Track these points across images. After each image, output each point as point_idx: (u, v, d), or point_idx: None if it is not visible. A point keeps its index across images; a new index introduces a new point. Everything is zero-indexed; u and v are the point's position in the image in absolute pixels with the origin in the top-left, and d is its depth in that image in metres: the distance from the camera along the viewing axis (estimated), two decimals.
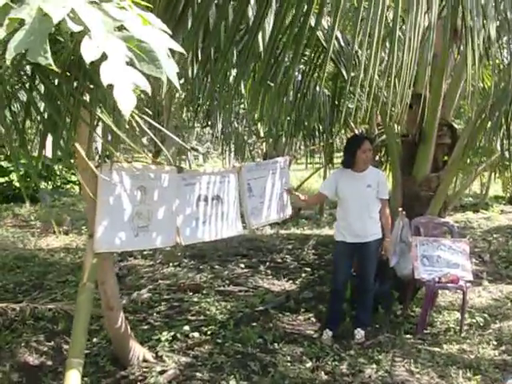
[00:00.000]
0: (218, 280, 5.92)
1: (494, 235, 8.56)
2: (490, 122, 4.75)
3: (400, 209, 4.84)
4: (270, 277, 6.19)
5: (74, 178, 13.32)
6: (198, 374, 3.65)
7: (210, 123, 10.12)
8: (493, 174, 12.25)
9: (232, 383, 3.54)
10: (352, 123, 5.57)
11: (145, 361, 3.74)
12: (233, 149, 11.20)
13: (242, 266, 6.58)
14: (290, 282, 6.02)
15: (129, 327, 3.67)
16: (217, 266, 6.52)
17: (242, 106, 8.90)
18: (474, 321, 4.80)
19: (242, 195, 4.08)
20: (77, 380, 2.63)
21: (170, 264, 6.45)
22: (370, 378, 3.72)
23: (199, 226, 3.70)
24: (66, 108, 2.38)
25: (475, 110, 5.01)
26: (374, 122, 6.16)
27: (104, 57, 1.33)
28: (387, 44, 3.93)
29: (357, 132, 6.16)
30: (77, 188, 13.05)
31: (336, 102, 5.18)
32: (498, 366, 3.93)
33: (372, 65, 3.03)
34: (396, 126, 5.19)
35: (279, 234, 8.69)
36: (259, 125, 10.66)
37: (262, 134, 11.34)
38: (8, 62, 1.22)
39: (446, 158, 5.17)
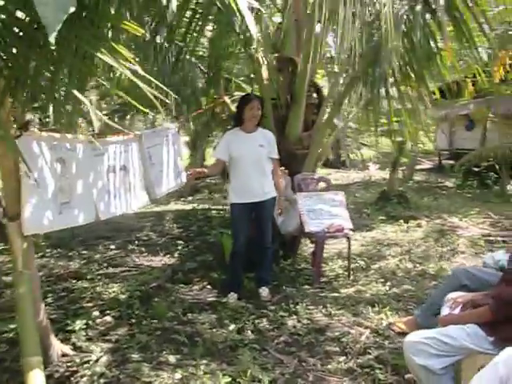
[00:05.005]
0: (94, 264, 5.55)
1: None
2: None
3: (282, 168, 5.01)
4: (145, 254, 5.99)
5: None
6: (130, 356, 3.41)
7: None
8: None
9: (171, 358, 3.37)
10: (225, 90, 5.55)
11: (64, 355, 3.37)
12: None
13: (112, 247, 6.25)
14: (168, 256, 5.90)
15: (49, 321, 3.28)
16: (84, 252, 6.09)
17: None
18: (357, 265, 5.22)
19: (144, 164, 3.85)
20: (41, 380, 2.29)
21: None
22: (295, 327, 3.84)
23: (111, 200, 3.41)
24: None
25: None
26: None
27: None
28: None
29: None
30: None
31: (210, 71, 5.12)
32: (393, 298, 4.37)
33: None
34: (268, 88, 5.32)
35: (132, 214, 8.35)
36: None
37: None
38: None
39: (314, 117, 5.47)
